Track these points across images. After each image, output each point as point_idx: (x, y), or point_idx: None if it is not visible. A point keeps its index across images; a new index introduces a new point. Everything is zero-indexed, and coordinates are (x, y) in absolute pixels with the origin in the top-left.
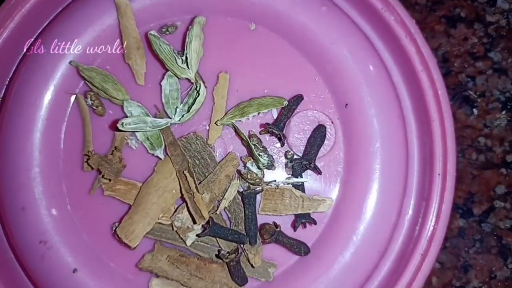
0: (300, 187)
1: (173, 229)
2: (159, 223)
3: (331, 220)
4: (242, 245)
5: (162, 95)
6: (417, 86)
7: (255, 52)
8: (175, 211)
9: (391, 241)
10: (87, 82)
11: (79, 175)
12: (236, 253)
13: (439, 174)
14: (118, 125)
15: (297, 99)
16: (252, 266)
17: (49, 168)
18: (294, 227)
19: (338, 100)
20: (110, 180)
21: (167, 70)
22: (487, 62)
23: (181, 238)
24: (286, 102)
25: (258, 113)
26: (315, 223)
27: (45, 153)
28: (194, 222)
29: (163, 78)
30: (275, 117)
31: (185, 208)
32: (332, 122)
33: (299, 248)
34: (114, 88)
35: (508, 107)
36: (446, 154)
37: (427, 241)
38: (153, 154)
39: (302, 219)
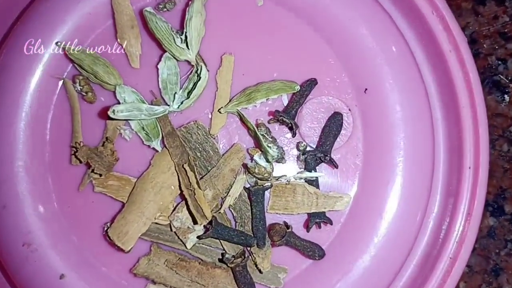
0: (314, 182)
1: (171, 230)
2: (156, 223)
3: (349, 219)
4: (249, 248)
5: (159, 79)
6: (445, 68)
7: (263, 31)
8: (173, 209)
9: (415, 242)
10: (75, 65)
11: (67, 170)
12: (242, 257)
13: (469, 168)
14: (109, 112)
15: (310, 84)
16: (260, 271)
17: (34, 161)
18: (307, 227)
19: (356, 84)
20: (101, 175)
21: (165, 52)
22: None
23: (181, 240)
24: (298, 87)
25: (267, 99)
26: (331, 223)
27: (29, 144)
28: (195, 222)
29: (160, 60)
30: (285, 104)
31: (185, 207)
32: (349, 110)
33: (313, 251)
34: (106, 72)
35: None
36: (478, 145)
37: (456, 242)
38: (149, 146)
39: (316, 219)
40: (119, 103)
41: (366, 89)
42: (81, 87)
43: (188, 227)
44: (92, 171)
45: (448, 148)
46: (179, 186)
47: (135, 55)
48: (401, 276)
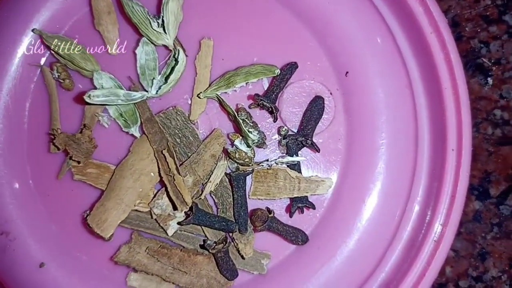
0: (295, 167)
1: (152, 217)
2: (136, 210)
3: (332, 204)
4: (230, 234)
5: (137, 65)
6: (426, 50)
7: (243, 15)
8: (154, 196)
9: (400, 226)
10: (52, 53)
11: (46, 158)
12: (224, 243)
13: (453, 150)
14: (85, 97)
15: (291, 68)
16: (242, 257)
17: (12, 150)
18: (290, 212)
19: (337, 68)
20: (79, 162)
21: (142, 37)
22: (501, 26)
23: (162, 227)
24: (278, 71)
25: (247, 83)
26: (313, 207)
27: (7, 133)
28: (175, 209)
29: (137, 46)
30: (265, 88)
31: (165, 193)
32: (331, 93)
33: (296, 236)
34: (83, 58)
35: None
36: (460, 127)
37: (441, 225)
38: (127, 133)
39: (299, 204)
40: (96, 89)
41: (347, 72)
42: (59, 74)
43: (169, 214)
44: (70, 158)
45: (431, 130)
46: (159, 172)
47: (112, 41)
48: (386, 261)
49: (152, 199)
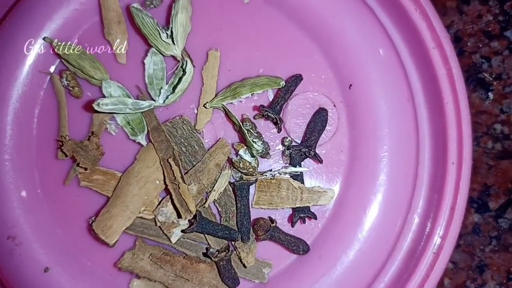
0: (298, 177)
1: (156, 225)
2: (141, 217)
3: (333, 214)
4: (233, 243)
5: (146, 74)
6: (428, 64)
7: (249, 27)
8: (158, 204)
9: (400, 237)
10: (62, 60)
11: (54, 164)
12: (227, 251)
13: (453, 163)
14: (94, 105)
15: (296, 80)
16: (244, 266)
17: (21, 155)
18: (292, 222)
19: (341, 80)
20: (86, 169)
21: (151, 47)
22: (503, 42)
23: (165, 235)
24: (283, 83)
25: (252, 95)
26: (315, 217)
27: (16, 139)
28: (180, 217)
29: (146, 56)
30: (270, 99)
31: (170, 201)
32: (334, 106)
33: (297, 246)
34: (92, 67)
35: None
36: (461, 140)
37: (440, 237)
38: (134, 141)
39: (301, 214)
40: (105, 97)
41: (350, 85)
42: (68, 82)
43: (173, 221)
44: (78, 165)
45: (433, 144)
46: (164, 180)
47: (121, 51)
48: (386, 271)
49: (156, 207)
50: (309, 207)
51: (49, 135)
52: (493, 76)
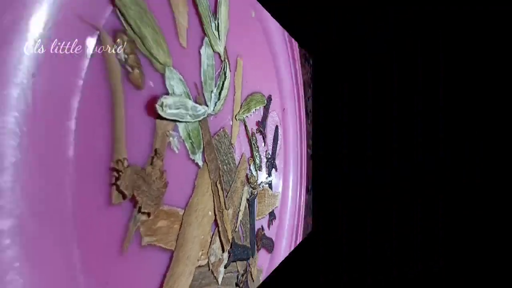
0: (270, 186)
1: (209, 269)
2: (199, 266)
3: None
4: (248, 261)
5: (201, 69)
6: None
7: (256, 42)
8: (210, 242)
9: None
10: (119, 12)
11: (102, 215)
12: (244, 272)
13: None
14: (157, 105)
15: (269, 100)
16: (252, 280)
17: (47, 208)
18: (268, 225)
19: (281, 104)
20: (149, 214)
21: (204, 34)
22: None
23: (215, 278)
24: (265, 102)
25: (255, 110)
26: (275, 218)
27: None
28: (223, 250)
29: (202, 44)
30: (252, 116)
31: (218, 236)
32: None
33: (271, 246)
34: (155, 40)
35: None
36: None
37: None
38: (193, 161)
39: (272, 217)
40: (167, 93)
41: (284, 108)
42: (126, 56)
43: (219, 258)
44: (139, 210)
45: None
46: (214, 210)
47: (183, 27)
48: None
49: (209, 246)
50: (273, 210)
51: (90, 158)
52: None
